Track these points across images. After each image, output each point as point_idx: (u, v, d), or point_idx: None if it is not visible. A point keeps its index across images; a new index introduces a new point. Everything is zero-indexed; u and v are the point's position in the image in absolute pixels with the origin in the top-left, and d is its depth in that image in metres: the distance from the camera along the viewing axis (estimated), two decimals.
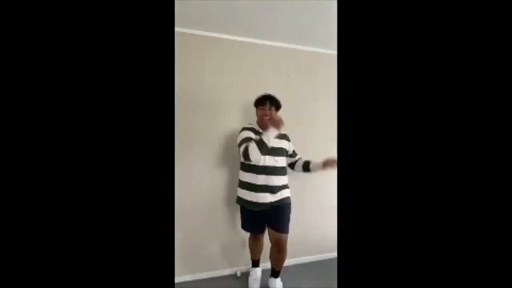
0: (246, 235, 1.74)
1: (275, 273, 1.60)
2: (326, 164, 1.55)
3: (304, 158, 1.69)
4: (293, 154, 1.69)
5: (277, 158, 1.51)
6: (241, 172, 1.56)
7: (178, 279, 1.70)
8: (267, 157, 1.47)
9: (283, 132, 1.59)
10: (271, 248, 1.54)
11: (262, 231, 1.62)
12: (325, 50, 2.05)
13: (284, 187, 1.55)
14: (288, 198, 1.55)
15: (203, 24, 1.66)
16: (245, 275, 1.82)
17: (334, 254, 2.11)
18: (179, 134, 1.67)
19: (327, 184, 2.05)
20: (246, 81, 1.86)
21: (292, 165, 1.71)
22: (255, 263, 1.76)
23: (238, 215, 1.83)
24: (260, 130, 1.53)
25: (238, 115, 1.84)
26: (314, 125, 2.03)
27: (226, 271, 1.84)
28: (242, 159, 1.45)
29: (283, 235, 1.48)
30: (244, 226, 1.64)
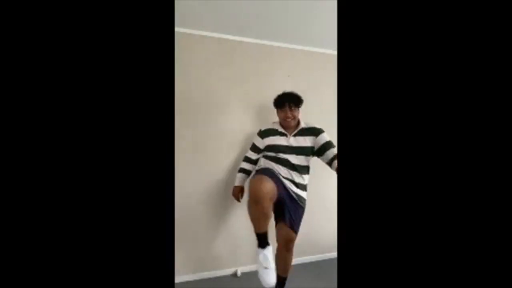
0: (246, 234, 1.73)
1: (281, 281, 1.47)
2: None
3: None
4: (322, 150, 1.43)
5: (299, 156, 1.45)
6: (262, 160, 1.54)
7: (178, 279, 1.70)
8: (288, 155, 1.45)
9: (308, 126, 1.52)
10: (279, 249, 1.44)
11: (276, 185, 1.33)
12: (325, 50, 2.05)
13: (303, 187, 1.47)
14: (304, 200, 1.48)
15: (203, 24, 1.66)
16: (245, 275, 1.82)
17: (334, 254, 2.11)
18: (179, 134, 1.67)
19: (327, 184, 2.05)
20: (246, 81, 1.86)
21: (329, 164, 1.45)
22: (263, 240, 1.30)
23: (238, 214, 1.84)
24: (280, 129, 1.52)
25: (238, 115, 1.84)
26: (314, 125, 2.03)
27: (226, 271, 1.84)
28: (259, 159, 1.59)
29: (294, 235, 1.40)
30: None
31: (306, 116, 1.98)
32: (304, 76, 2.00)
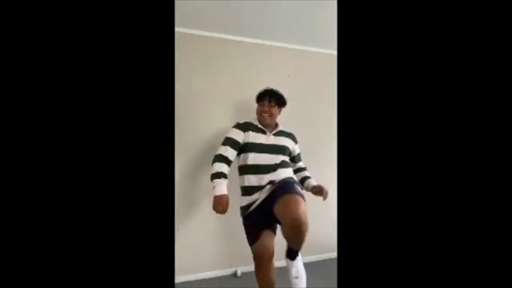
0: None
1: (292, 253, 1.22)
2: (315, 191, 1.40)
3: (306, 171, 1.55)
4: (296, 159, 1.54)
5: (275, 156, 1.32)
6: (239, 177, 1.40)
7: (178, 279, 1.70)
8: (262, 155, 1.31)
9: (288, 130, 1.47)
10: (285, 225, 1.13)
11: (271, 227, 1.29)
12: (325, 50, 2.05)
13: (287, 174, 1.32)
14: (291, 178, 1.32)
15: (203, 24, 1.66)
16: (245, 275, 1.82)
17: (334, 254, 2.10)
18: (178, 134, 1.67)
19: (327, 184, 2.05)
20: (246, 81, 1.86)
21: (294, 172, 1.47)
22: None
23: (239, 214, 1.83)
24: (259, 125, 1.38)
25: (238, 116, 1.84)
26: (314, 125, 2.03)
27: (226, 271, 1.84)
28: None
29: (296, 196, 1.12)
30: (249, 236, 1.33)
31: (305, 117, 1.99)
32: (304, 76, 2.00)
